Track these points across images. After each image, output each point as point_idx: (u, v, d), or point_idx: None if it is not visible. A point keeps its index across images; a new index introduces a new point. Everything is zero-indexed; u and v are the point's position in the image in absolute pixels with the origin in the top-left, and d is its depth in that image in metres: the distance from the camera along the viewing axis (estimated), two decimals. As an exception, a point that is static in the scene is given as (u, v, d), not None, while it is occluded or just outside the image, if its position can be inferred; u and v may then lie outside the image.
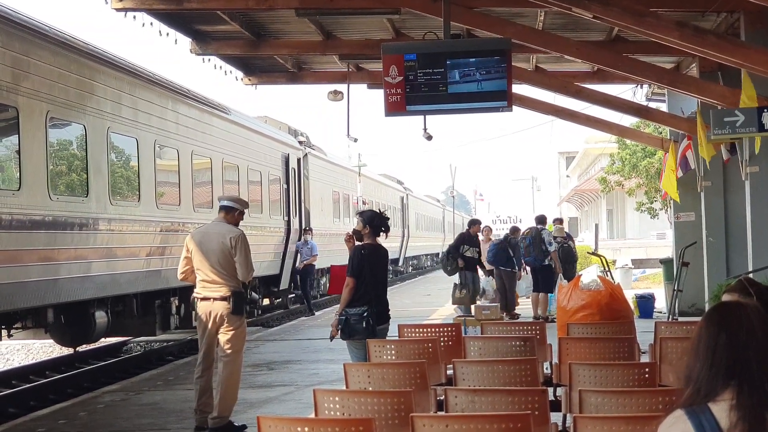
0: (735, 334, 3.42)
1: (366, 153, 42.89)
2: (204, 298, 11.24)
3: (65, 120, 15.58)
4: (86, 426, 11.86)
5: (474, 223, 25.03)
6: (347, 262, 13.43)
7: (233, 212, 11.67)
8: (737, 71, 15.37)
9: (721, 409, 3.31)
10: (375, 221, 12.09)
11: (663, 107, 24.17)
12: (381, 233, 12.09)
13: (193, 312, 11.80)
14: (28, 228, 14.12)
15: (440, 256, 33.65)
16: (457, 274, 23.21)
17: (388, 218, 12.65)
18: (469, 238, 23.59)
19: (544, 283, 22.48)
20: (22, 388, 16.51)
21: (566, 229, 25.85)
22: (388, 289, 13.05)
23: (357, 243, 12.33)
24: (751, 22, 15.60)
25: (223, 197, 12.30)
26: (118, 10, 13.16)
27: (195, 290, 11.44)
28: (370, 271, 11.91)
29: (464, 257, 22.79)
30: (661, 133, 26.31)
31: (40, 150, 14.58)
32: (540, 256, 22.43)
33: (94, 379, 17.75)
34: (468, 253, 22.88)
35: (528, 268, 23.96)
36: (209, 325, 11.20)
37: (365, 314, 11.64)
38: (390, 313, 12.18)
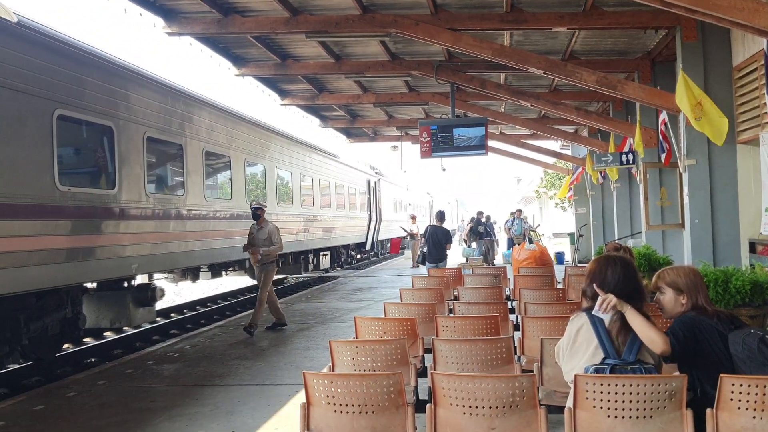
0: (611, 269, 3.61)
1: (410, 177, 42.19)
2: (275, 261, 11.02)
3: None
4: (266, 319, 11.32)
5: (479, 212, 24.23)
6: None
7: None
8: (607, 133, 15.90)
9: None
10: (438, 215, 14.92)
11: (569, 152, 23.95)
12: (443, 220, 14.70)
13: (270, 269, 10.75)
14: (237, 218, 13.86)
15: (459, 234, 34.13)
16: (474, 244, 22.62)
17: (443, 211, 15.24)
18: (479, 221, 22.93)
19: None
20: (236, 300, 16.79)
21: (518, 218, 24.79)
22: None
23: (430, 224, 15.05)
24: (615, 107, 16.15)
25: (255, 202, 11.33)
26: (169, 34, 10.79)
27: (276, 256, 10.93)
28: (429, 237, 14.37)
29: (479, 233, 22.28)
30: (566, 165, 25.76)
31: (240, 177, 14.34)
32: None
33: None
34: (480, 228, 22.39)
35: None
36: None
37: (422, 253, 14.57)
38: (445, 259, 14.33)
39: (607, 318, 3.51)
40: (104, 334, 12.51)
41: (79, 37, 10.99)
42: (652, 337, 3.47)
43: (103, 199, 9.23)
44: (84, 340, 11.67)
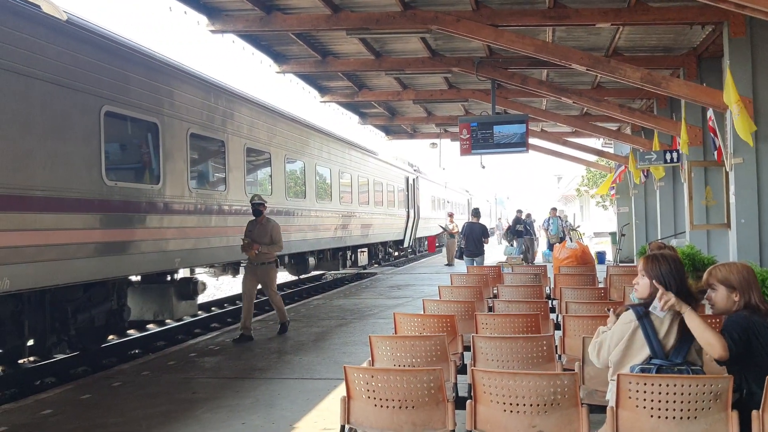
0: (662, 266, 3.54)
1: (449, 175, 41.40)
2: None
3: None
4: (305, 315, 11.99)
5: (519, 210, 24.19)
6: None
7: None
8: (651, 130, 15.70)
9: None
10: (474, 211, 15.70)
11: (611, 150, 23.82)
12: (478, 217, 15.46)
13: (271, 270, 10.06)
14: (276, 214, 13.61)
15: (501, 232, 34.40)
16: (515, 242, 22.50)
17: (478, 208, 16.06)
18: (520, 219, 22.72)
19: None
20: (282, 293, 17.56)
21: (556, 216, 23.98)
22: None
23: (467, 221, 15.86)
24: (659, 104, 15.97)
25: (257, 197, 10.25)
26: (213, 31, 10.76)
27: (275, 256, 10.17)
28: (467, 233, 15.13)
29: (519, 231, 22.24)
30: (608, 163, 25.63)
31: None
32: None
33: (308, 292, 18.39)
34: (519, 227, 22.21)
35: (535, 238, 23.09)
36: None
37: (459, 249, 15.12)
38: (483, 254, 15.27)
39: (659, 316, 3.44)
40: (147, 326, 12.77)
41: (125, 34, 11.18)
42: (709, 341, 3.36)
43: (148, 194, 9.41)
44: (128, 331, 11.91)
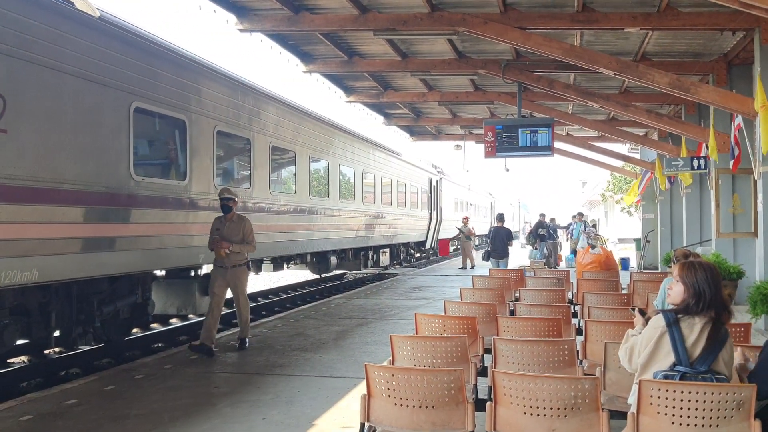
0: (701, 273, 3.49)
1: (472, 177, 41.06)
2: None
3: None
4: (326, 313, 12.04)
5: (542, 214, 23.42)
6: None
7: None
8: (679, 137, 15.58)
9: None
10: (499, 216, 16.93)
11: (637, 155, 23.22)
12: (503, 221, 16.44)
13: (242, 273, 8.99)
14: (300, 212, 14.15)
15: (524, 235, 34.34)
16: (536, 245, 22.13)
17: (503, 213, 17.15)
18: (543, 223, 22.37)
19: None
20: (297, 293, 17.32)
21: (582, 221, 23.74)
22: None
23: (493, 225, 16.80)
24: (687, 110, 15.82)
25: (226, 191, 9.03)
26: (241, 30, 10.84)
27: (247, 258, 9.08)
28: (494, 236, 16.42)
29: (541, 235, 21.83)
30: (634, 169, 25.68)
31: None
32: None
33: (330, 291, 18.55)
34: (542, 231, 21.92)
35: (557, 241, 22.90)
36: None
37: (486, 252, 16.34)
38: (508, 255, 16.63)
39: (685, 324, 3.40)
40: (170, 320, 12.89)
41: (154, 32, 11.30)
42: None
43: (174, 189, 9.52)
44: (152, 325, 12.05)
